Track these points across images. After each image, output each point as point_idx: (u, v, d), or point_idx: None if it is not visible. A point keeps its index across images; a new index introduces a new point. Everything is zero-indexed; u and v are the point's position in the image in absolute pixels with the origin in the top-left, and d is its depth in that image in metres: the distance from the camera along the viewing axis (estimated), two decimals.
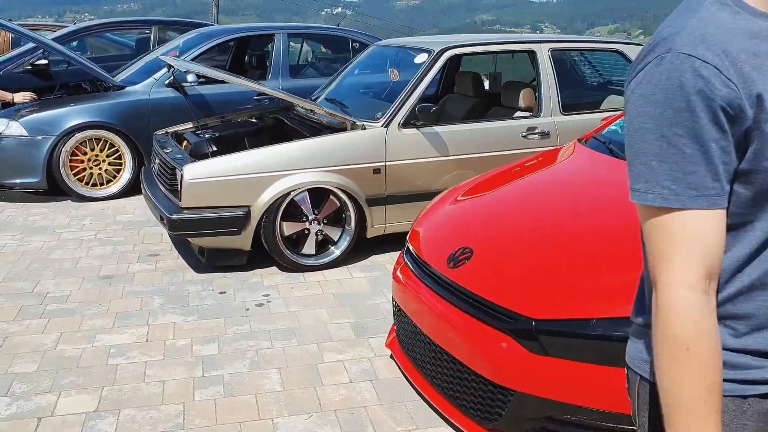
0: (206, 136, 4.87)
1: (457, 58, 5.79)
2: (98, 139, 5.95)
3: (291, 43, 7.52)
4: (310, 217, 4.28)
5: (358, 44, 7.04)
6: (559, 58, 5.19)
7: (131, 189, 6.11)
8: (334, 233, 4.39)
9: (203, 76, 6.14)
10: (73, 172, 5.90)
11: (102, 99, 5.99)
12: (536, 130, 4.74)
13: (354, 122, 4.38)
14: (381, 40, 7.02)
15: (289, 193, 4.15)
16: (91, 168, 5.97)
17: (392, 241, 4.69)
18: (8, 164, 5.74)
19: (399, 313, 3.00)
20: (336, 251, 4.38)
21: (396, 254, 4.63)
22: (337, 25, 7.61)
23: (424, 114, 4.35)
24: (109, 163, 6.02)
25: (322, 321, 3.60)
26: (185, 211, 4.04)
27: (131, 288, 4.04)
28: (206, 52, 6.45)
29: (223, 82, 6.12)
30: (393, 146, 4.37)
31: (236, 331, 3.48)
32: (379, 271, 4.33)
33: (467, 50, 4.75)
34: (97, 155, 5.96)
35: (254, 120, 5.37)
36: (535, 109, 4.92)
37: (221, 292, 3.98)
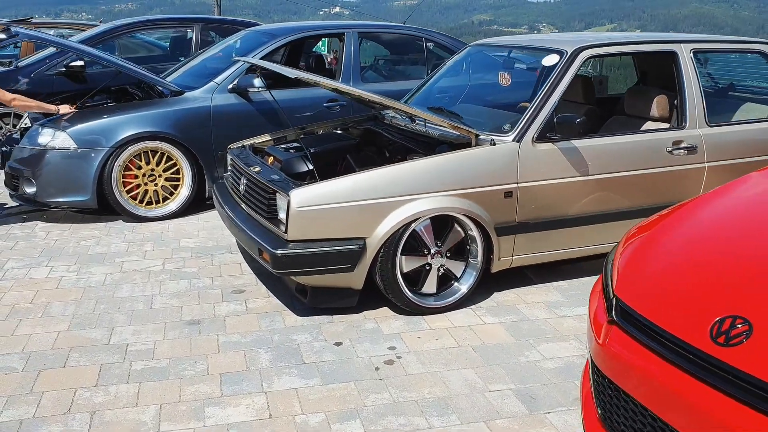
0: (296, 152, 4.17)
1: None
2: (154, 152, 5.26)
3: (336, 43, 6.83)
4: (432, 250, 3.60)
5: (432, 44, 6.36)
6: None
7: (190, 207, 5.43)
8: (456, 268, 3.71)
9: (272, 80, 5.46)
10: (126, 189, 5.21)
11: (158, 106, 5.30)
12: (682, 145, 4.06)
13: (478, 135, 3.70)
14: (459, 40, 6.36)
15: (411, 222, 3.47)
16: (146, 184, 5.28)
17: (510, 275, 4.03)
18: (54, 181, 5.05)
19: (613, 392, 2.32)
20: (462, 288, 3.70)
21: (522, 291, 3.95)
22: (404, 23, 6.93)
23: (565, 126, 3.67)
24: (166, 179, 5.34)
25: (476, 387, 2.91)
26: (291, 245, 3.36)
27: (227, 337, 3.35)
28: (271, 53, 5.77)
29: (287, 86, 5.45)
30: (527, 164, 3.69)
31: (375, 401, 2.79)
32: (512, 314, 3.65)
33: (605, 50, 4.07)
34: (152, 170, 5.28)
35: (340, 131, 4.69)
36: (675, 120, 4.24)
37: (337, 343, 3.30)
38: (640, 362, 2.19)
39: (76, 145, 5.02)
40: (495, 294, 3.90)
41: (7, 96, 5.06)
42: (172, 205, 5.37)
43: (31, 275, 4.16)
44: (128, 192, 5.23)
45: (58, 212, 5.40)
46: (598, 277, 4.14)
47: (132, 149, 5.15)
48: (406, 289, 3.55)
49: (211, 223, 5.25)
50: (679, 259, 2.42)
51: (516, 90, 4.50)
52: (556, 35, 4.87)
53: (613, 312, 2.42)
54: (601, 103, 4.92)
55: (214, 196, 4.50)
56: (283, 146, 4.38)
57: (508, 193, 3.66)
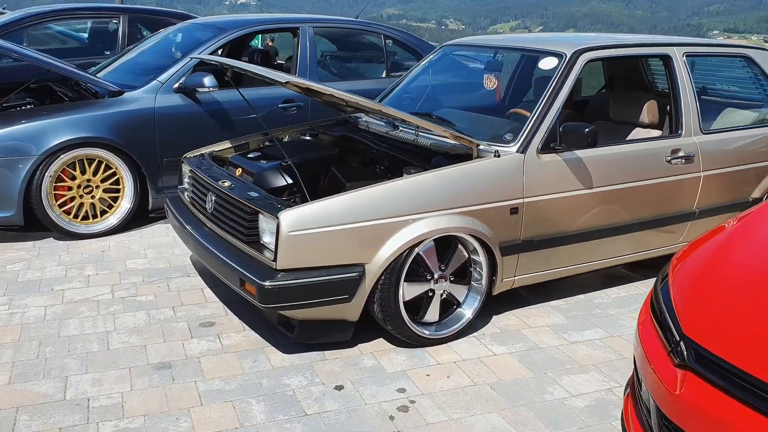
0: (266, 163, 3.69)
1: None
2: (90, 160, 4.63)
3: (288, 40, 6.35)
4: (435, 275, 3.23)
5: (391, 41, 5.98)
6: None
7: (131, 221, 4.83)
8: (458, 292, 3.36)
9: (225, 79, 4.93)
10: (58, 202, 4.56)
11: (95, 108, 4.67)
12: (680, 153, 3.86)
13: (478, 146, 3.35)
14: (421, 39, 6.01)
15: (416, 245, 3.09)
16: (81, 197, 4.64)
17: (505, 295, 3.73)
18: None
19: None
20: (466, 314, 3.35)
21: (521, 313, 3.65)
22: (356, 17, 6.51)
23: (572, 136, 3.38)
24: (104, 190, 4.71)
25: None
26: (281, 275, 2.91)
27: (207, 384, 2.87)
28: (220, 49, 5.23)
29: (230, 85, 4.94)
30: (532, 178, 3.38)
31: None
32: (519, 341, 3.34)
33: (605, 53, 3.80)
34: (88, 180, 4.64)
35: (309, 138, 4.24)
36: (668, 127, 4.05)
37: (337, 387, 2.88)
38: (728, 416, 1.91)
39: None
40: (494, 318, 3.58)
41: None
42: (112, 219, 4.76)
43: None
44: (60, 206, 4.58)
45: None
46: (594, 293, 3.92)
47: (65, 157, 4.51)
48: (409, 320, 3.17)
49: (157, 240, 4.68)
50: (751, 290, 2.16)
51: (514, 95, 4.20)
52: (538, 36, 4.60)
53: (686, 355, 2.13)
54: (579, 107, 4.70)
55: (168, 211, 3.96)
56: (250, 155, 3.89)
57: (514, 210, 3.34)
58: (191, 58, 4.98)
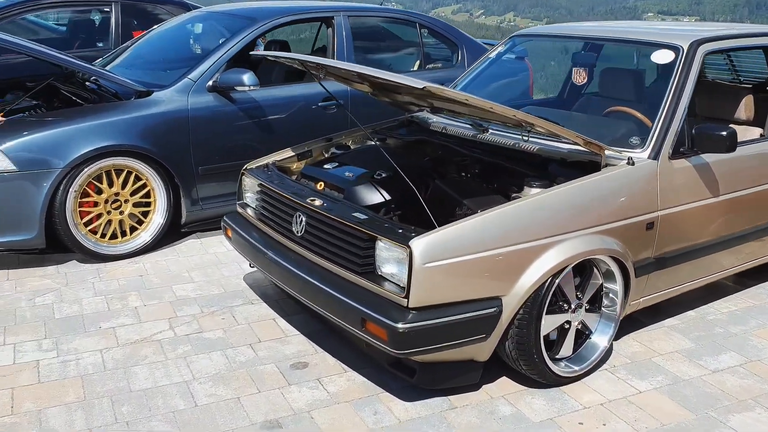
0: (352, 175, 3.20)
1: None
2: (118, 171, 4.06)
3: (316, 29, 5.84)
4: (572, 304, 2.82)
5: (426, 30, 5.51)
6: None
7: (163, 238, 4.28)
8: (590, 320, 2.96)
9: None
10: (83, 220, 3.98)
11: (122, 111, 4.08)
12: None
13: (606, 151, 2.94)
14: (455, 27, 5.58)
15: (560, 272, 2.67)
16: (108, 213, 4.06)
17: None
18: None
19: None
20: (601, 344, 2.95)
21: (640, 336, 3.28)
22: (380, 4, 6.02)
23: (710, 139, 3.00)
24: (134, 204, 4.15)
25: None
26: (414, 315, 2.46)
27: None
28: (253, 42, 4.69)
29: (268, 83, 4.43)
30: (666, 187, 2.99)
31: None
32: (658, 373, 2.96)
33: (725, 44, 3.43)
34: (116, 194, 4.07)
35: (378, 143, 3.77)
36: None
37: None
38: None
39: (15, 167, 3.72)
40: (614, 344, 3.19)
41: None
42: (145, 235, 4.19)
43: None
44: (86, 225, 4.00)
45: None
46: (703, 308, 3.54)
47: (91, 169, 3.92)
48: (548, 358, 2.75)
49: (197, 259, 4.14)
50: None
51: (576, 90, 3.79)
52: (625, 25, 4.19)
53: None
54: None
55: (230, 230, 3.45)
56: (327, 166, 3.39)
57: (650, 224, 2.95)
58: (224, 53, 4.42)
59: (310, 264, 2.89)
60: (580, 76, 3.78)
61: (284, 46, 5.68)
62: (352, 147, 3.78)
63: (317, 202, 2.93)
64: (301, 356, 3.03)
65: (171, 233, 4.34)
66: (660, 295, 3.20)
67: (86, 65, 4.24)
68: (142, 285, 3.76)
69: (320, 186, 3.20)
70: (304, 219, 2.95)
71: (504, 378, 2.88)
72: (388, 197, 3.04)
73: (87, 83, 4.67)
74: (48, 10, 6.71)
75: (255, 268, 3.55)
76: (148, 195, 4.18)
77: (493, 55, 4.18)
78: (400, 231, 2.56)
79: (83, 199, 3.96)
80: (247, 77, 4.25)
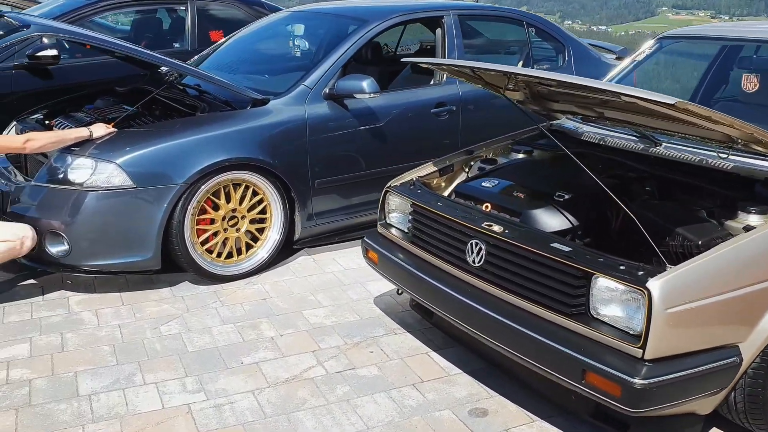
0: (525, 196, 2.87)
1: None
2: (235, 186, 3.76)
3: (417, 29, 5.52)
4: None
5: (534, 30, 5.17)
6: None
7: (277, 256, 3.98)
8: None
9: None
10: (200, 239, 3.69)
11: (240, 121, 3.78)
12: None
13: None
14: (559, 27, 5.20)
15: None
16: (225, 230, 3.77)
17: None
18: (98, 235, 3.45)
19: None
20: None
21: None
22: (476, 1, 5.68)
23: None
24: (251, 220, 3.85)
25: None
26: (650, 368, 2.13)
27: None
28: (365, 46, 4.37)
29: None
30: None
31: None
32: None
33: None
34: (233, 210, 3.77)
35: (523, 155, 3.45)
36: None
37: None
38: None
39: (132, 182, 3.44)
40: None
41: (18, 140, 3.37)
42: (262, 252, 3.89)
43: (133, 404, 2.65)
44: (202, 243, 3.70)
45: (77, 277, 3.73)
46: None
47: (210, 184, 3.63)
48: None
49: (316, 279, 3.85)
50: None
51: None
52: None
53: None
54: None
55: (375, 252, 3.14)
56: (486, 184, 3.06)
57: None
58: (339, 58, 4.11)
59: (496, 300, 2.56)
60: (750, 83, 3.42)
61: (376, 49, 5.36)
62: (498, 160, 3.45)
63: (496, 228, 2.61)
64: (474, 401, 2.71)
65: (280, 251, 4.04)
66: None
67: (199, 70, 3.94)
68: (269, 311, 3.46)
69: (486, 207, 2.88)
70: (483, 247, 2.62)
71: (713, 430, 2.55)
72: (574, 222, 2.71)
73: (183, 88, 4.37)
74: (119, 9, 6.40)
75: (402, 294, 3.24)
76: (263, 211, 3.88)
77: (641, 57, 3.82)
78: (624, 268, 2.23)
79: (200, 216, 3.66)
80: (368, 84, 3.93)
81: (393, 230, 3.18)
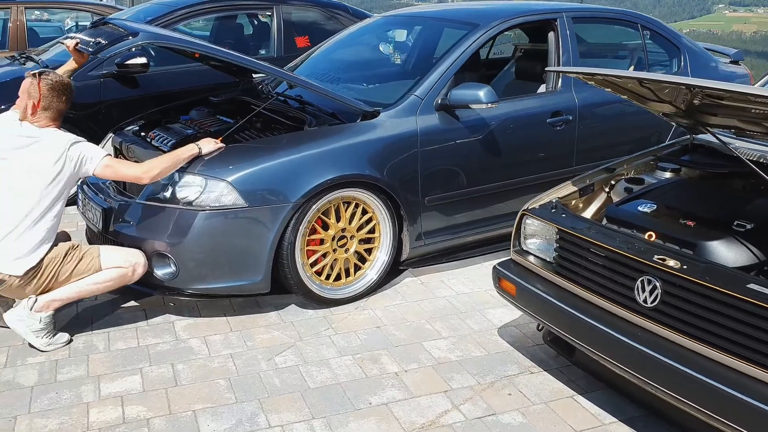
0: (707, 228, 2.53)
1: None
2: (345, 204, 3.52)
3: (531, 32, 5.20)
4: None
5: (649, 33, 4.81)
6: None
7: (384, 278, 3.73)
8: None
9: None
10: (310, 260, 3.46)
11: (350, 135, 3.54)
12: None
13: None
14: (674, 30, 4.85)
15: None
16: (334, 251, 3.53)
17: None
18: (209, 257, 3.24)
19: None
20: None
21: None
22: (580, 1, 5.33)
23: None
24: (360, 240, 3.60)
25: None
26: None
27: None
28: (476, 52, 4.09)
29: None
30: None
31: None
32: None
33: None
34: (342, 230, 3.53)
35: (670, 174, 3.10)
36: None
37: None
38: None
39: (244, 201, 3.22)
40: None
41: (135, 170, 3.11)
42: (371, 273, 3.65)
43: None
44: (311, 265, 3.47)
45: (180, 300, 3.52)
46: None
47: (321, 203, 3.39)
48: None
49: (429, 305, 3.58)
50: None
51: None
52: None
53: None
54: None
55: (518, 289, 2.84)
56: (644, 209, 2.73)
57: None
58: (451, 65, 3.83)
59: (675, 347, 2.25)
60: None
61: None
62: (645, 179, 3.11)
63: (673, 263, 2.29)
64: None
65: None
66: None
67: (310, 81, 3.70)
68: (386, 341, 3.20)
69: (649, 236, 2.56)
70: (658, 286, 2.30)
71: None
72: (761, 256, 2.37)
73: (284, 99, 4.15)
74: (202, 16, 6.22)
75: (542, 328, 2.95)
76: (371, 230, 3.63)
77: None
78: None
79: (309, 237, 3.43)
80: (485, 93, 3.63)
81: (531, 258, 2.88)
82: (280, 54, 5.85)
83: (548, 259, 2.80)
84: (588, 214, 3.06)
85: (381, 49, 4.72)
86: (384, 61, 4.73)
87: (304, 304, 3.54)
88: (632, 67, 4.92)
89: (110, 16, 5.63)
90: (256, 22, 6.64)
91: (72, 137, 3.01)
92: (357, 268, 3.65)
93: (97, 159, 3.01)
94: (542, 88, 4.38)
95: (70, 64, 3.53)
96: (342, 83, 4.39)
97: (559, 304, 2.64)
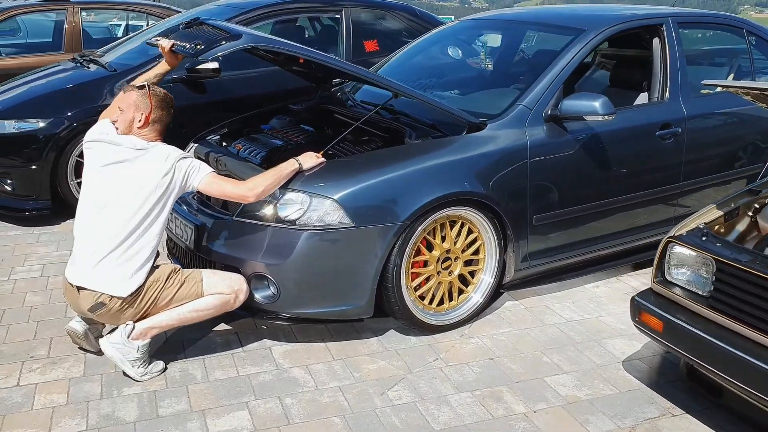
0: None
1: None
2: (450, 223, 3.27)
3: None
4: None
5: (755, 38, 4.50)
6: None
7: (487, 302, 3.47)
8: None
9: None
10: (414, 283, 3.22)
11: (457, 149, 3.28)
12: None
13: None
14: None
15: None
16: (438, 273, 3.28)
17: None
18: (312, 280, 3.01)
19: None
20: None
21: None
22: (673, 5, 5.02)
23: None
24: (465, 262, 3.36)
25: None
26: None
27: None
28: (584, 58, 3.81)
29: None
30: None
31: None
32: None
33: None
34: (447, 251, 3.28)
35: None
36: None
37: None
38: None
39: (350, 221, 2.98)
40: None
41: (240, 188, 2.84)
42: (476, 296, 3.40)
43: None
44: (414, 289, 3.23)
45: (273, 323, 3.28)
46: None
47: (427, 222, 3.15)
48: None
49: (540, 334, 3.32)
50: None
51: None
52: None
53: None
54: None
55: (665, 325, 2.56)
56: None
57: None
58: (560, 73, 3.56)
59: None
60: None
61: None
62: None
63: None
64: None
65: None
66: None
67: (414, 90, 3.45)
68: (504, 376, 2.95)
69: None
70: None
71: None
72: None
73: (369, 107, 3.90)
74: (278, 17, 5.94)
75: (681, 365, 2.67)
76: (476, 251, 3.37)
77: None
78: None
79: (414, 259, 3.19)
80: (601, 104, 3.36)
81: (677, 290, 2.61)
82: (349, 58, 5.61)
83: (701, 293, 2.53)
84: (731, 239, 2.78)
85: (468, 54, 4.45)
86: (469, 67, 4.46)
87: (404, 329, 3.30)
88: (732, 75, 4.63)
89: (202, 17, 5.44)
90: (318, 26, 6.41)
91: (180, 151, 2.81)
92: (459, 292, 3.40)
93: (203, 173, 2.81)
94: (641, 98, 4.10)
95: (162, 67, 3.31)
96: (429, 90, 4.14)
97: (717, 343, 2.37)
